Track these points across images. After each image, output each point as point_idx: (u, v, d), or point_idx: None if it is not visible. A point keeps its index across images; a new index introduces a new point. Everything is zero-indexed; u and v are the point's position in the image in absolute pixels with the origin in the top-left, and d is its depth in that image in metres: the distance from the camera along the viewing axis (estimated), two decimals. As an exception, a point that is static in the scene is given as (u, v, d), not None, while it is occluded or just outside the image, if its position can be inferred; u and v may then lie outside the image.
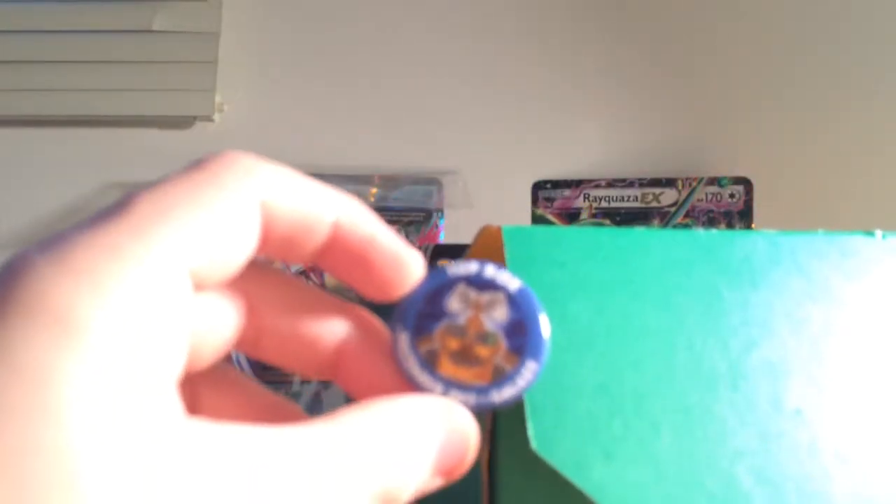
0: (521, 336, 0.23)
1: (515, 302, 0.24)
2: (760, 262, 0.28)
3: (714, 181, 0.84)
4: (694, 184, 0.84)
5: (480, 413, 0.23)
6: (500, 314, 0.24)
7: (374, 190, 0.89)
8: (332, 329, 0.23)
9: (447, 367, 0.23)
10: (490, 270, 0.24)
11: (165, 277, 0.19)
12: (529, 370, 0.23)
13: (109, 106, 0.94)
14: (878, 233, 0.29)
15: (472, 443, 0.23)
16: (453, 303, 0.24)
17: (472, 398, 0.23)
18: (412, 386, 0.23)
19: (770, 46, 0.90)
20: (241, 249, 0.21)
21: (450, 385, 0.23)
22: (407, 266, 0.23)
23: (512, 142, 0.92)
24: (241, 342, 0.23)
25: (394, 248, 0.23)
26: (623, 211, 0.85)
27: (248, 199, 0.21)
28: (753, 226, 0.82)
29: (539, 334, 0.23)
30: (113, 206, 0.20)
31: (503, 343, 0.23)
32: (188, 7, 0.94)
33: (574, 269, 0.27)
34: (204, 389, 0.23)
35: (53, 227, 0.94)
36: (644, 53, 0.92)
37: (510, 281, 0.24)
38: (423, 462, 0.21)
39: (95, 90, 0.94)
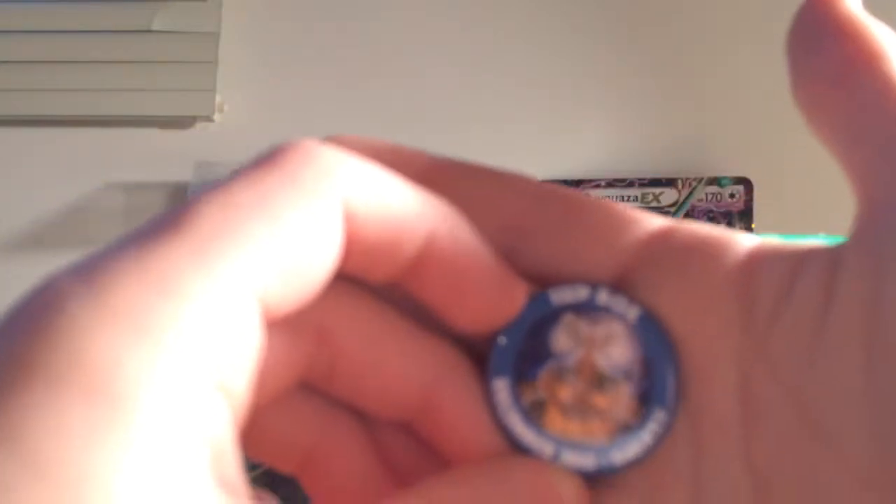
0: (645, 379, 0.19)
1: (637, 335, 0.19)
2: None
3: (714, 181, 0.84)
4: (694, 184, 0.84)
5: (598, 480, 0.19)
6: (618, 352, 0.19)
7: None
8: (419, 365, 0.19)
9: (557, 422, 0.19)
10: (603, 296, 0.19)
11: (231, 317, 0.15)
12: (657, 422, 0.18)
13: (109, 106, 0.94)
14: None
15: None
16: (560, 339, 0.19)
17: (590, 460, 0.18)
18: (514, 445, 0.19)
19: (771, 46, 0.90)
20: (320, 269, 0.17)
21: (562, 445, 0.18)
22: (509, 293, 0.19)
23: (512, 142, 0.92)
24: (312, 374, 0.19)
25: (496, 271, 0.19)
26: (623, 211, 0.84)
27: (330, 207, 0.17)
28: (754, 226, 0.82)
29: (666, 375, 0.19)
30: (170, 215, 0.16)
31: (624, 389, 0.19)
32: (188, 7, 0.94)
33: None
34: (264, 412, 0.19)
35: (53, 227, 0.94)
36: (644, 54, 0.92)
37: (629, 308, 0.19)
38: None
39: (95, 90, 0.94)
